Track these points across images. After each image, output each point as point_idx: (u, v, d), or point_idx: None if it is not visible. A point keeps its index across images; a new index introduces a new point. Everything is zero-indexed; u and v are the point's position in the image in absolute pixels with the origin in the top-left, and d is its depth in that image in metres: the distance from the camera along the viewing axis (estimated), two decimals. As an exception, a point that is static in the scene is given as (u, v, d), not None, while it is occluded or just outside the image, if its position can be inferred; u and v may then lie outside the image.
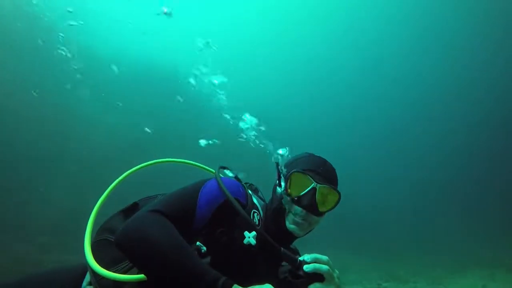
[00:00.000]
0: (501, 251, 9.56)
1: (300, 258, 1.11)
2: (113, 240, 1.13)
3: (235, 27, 19.24)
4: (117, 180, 1.51)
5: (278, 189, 1.34)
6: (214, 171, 1.47)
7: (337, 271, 1.13)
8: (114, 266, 1.17)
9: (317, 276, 1.07)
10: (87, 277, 1.31)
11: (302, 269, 1.08)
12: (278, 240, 1.29)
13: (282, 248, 1.12)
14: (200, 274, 0.93)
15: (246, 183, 1.50)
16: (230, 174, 1.50)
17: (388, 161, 22.07)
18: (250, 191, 1.41)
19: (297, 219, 1.28)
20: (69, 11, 9.95)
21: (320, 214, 1.31)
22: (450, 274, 7.83)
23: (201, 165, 1.80)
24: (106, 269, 1.12)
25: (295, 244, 1.54)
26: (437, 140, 22.24)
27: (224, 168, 1.49)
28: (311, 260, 1.10)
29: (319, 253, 1.13)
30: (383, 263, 9.31)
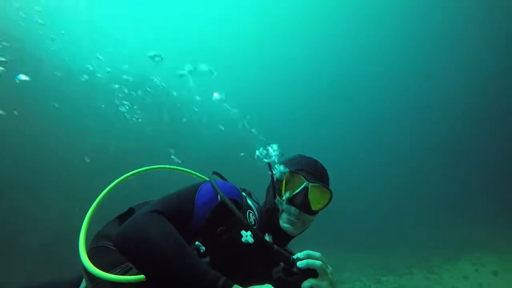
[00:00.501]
0: (490, 235, 9.84)
1: (294, 256, 1.13)
2: (111, 244, 1.11)
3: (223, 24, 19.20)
4: (109, 186, 1.50)
5: (271, 190, 1.38)
6: (207, 178, 1.48)
7: (330, 267, 1.15)
8: (112, 269, 1.15)
9: (311, 272, 1.09)
10: (83, 283, 1.27)
11: (296, 266, 1.10)
12: (274, 240, 1.33)
13: (275, 246, 1.14)
14: (200, 274, 0.94)
15: (240, 188, 1.51)
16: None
17: (375, 157, 22.41)
18: (244, 194, 1.43)
19: (291, 218, 1.31)
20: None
21: (313, 213, 1.34)
22: (443, 264, 8.00)
23: (195, 172, 1.81)
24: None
25: (290, 246, 1.57)
26: (421, 132, 22.69)
27: (217, 174, 1.51)
28: (304, 257, 1.12)
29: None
30: (378, 258, 9.42)
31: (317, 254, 1.13)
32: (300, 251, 1.17)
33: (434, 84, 21.66)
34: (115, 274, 1.11)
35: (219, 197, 1.22)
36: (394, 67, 21.88)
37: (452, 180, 19.29)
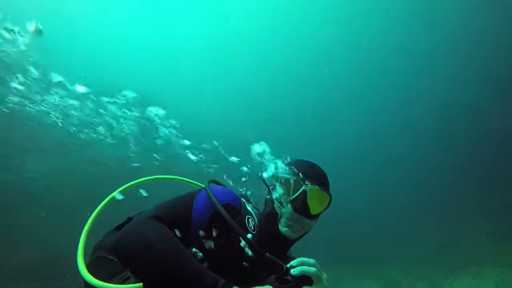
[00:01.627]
0: (487, 249, 9.76)
1: (287, 265, 1.12)
2: (109, 254, 1.10)
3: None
4: (107, 198, 1.50)
5: (269, 195, 1.37)
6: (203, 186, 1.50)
7: (325, 274, 1.14)
8: (110, 279, 1.15)
9: (306, 279, 1.08)
10: None
11: (290, 274, 1.08)
12: (274, 245, 1.32)
13: (267, 254, 1.12)
14: (199, 277, 0.94)
15: (239, 194, 1.51)
16: None
17: (369, 166, 22.12)
18: (243, 200, 1.43)
19: (290, 222, 1.30)
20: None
21: (313, 217, 1.33)
22: (445, 278, 7.91)
23: (192, 181, 1.81)
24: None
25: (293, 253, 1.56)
26: (419, 139, 22.44)
27: (215, 182, 1.51)
28: (297, 264, 1.11)
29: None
30: (377, 271, 9.34)
31: (311, 260, 1.12)
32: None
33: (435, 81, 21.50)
34: (114, 283, 1.11)
35: (218, 203, 1.21)
36: (393, 65, 21.77)
37: (451, 191, 19.15)
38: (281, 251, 1.38)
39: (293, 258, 1.51)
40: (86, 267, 1.15)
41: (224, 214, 1.14)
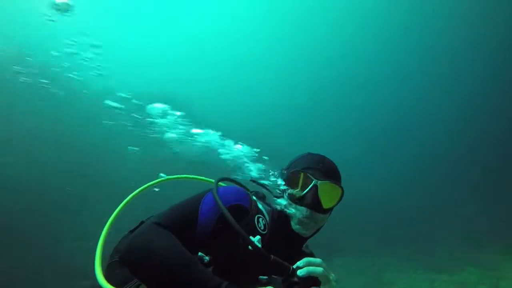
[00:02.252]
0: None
1: (293, 266, 1.09)
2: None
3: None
4: (124, 201, 1.56)
5: (279, 192, 1.34)
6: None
7: (332, 274, 1.10)
8: (124, 285, 1.19)
9: (313, 280, 1.05)
10: None
11: (296, 275, 1.05)
12: (287, 244, 1.31)
13: (272, 256, 1.10)
14: (202, 282, 0.96)
15: (252, 191, 1.50)
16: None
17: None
18: (255, 198, 1.41)
19: (302, 219, 1.26)
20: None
21: (325, 211, 1.29)
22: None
23: (205, 178, 1.80)
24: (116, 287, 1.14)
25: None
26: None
27: (226, 179, 1.49)
28: (304, 264, 1.07)
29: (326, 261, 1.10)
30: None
31: (317, 260, 1.09)
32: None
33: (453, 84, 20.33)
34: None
35: (225, 205, 1.20)
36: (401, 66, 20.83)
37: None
38: (295, 249, 1.36)
39: (310, 254, 1.48)
40: (105, 272, 1.19)
41: (228, 218, 1.13)
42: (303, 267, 1.07)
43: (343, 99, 22.22)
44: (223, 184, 1.55)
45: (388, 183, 17.49)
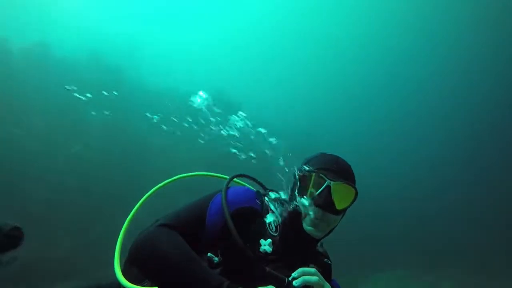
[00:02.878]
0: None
1: (289, 278, 1.11)
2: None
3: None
4: (144, 197, 1.59)
5: (293, 192, 1.34)
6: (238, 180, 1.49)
7: (327, 284, 1.13)
8: (139, 283, 1.23)
9: None
10: None
11: (292, 286, 1.08)
12: (299, 245, 1.30)
13: (267, 268, 1.12)
14: (205, 280, 1.00)
15: (268, 189, 1.48)
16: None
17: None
18: (266, 199, 1.39)
19: (314, 219, 1.25)
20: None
21: (338, 212, 1.28)
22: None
23: (222, 176, 1.78)
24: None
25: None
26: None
27: (243, 176, 1.49)
28: (298, 275, 1.10)
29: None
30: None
31: (312, 270, 1.11)
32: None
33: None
34: (144, 286, 1.19)
35: (234, 206, 1.23)
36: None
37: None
38: (307, 250, 1.35)
39: (324, 253, 1.47)
40: (122, 268, 1.25)
41: (230, 226, 1.15)
42: (298, 277, 1.09)
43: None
44: (240, 182, 1.56)
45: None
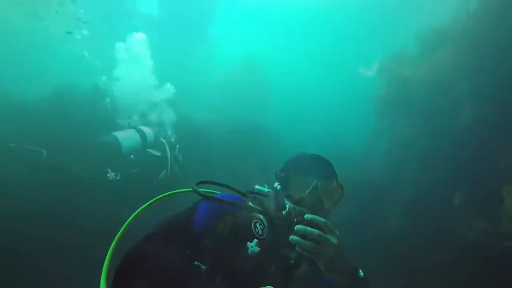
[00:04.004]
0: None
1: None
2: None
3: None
4: (132, 216, 1.57)
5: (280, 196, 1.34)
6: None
7: (337, 232, 1.14)
8: None
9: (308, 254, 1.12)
10: None
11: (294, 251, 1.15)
12: (286, 246, 1.26)
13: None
14: None
15: (249, 196, 1.47)
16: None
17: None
18: (250, 203, 1.38)
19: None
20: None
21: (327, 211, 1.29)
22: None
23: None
24: None
25: None
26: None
27: (205, 182, 1.48)
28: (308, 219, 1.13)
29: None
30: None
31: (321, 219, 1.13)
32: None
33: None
34: None
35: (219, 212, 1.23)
36: None
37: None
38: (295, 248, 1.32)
39: None
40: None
41: (219, 231, 1.17)
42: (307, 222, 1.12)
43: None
44: (217, 192, 1.52)
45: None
